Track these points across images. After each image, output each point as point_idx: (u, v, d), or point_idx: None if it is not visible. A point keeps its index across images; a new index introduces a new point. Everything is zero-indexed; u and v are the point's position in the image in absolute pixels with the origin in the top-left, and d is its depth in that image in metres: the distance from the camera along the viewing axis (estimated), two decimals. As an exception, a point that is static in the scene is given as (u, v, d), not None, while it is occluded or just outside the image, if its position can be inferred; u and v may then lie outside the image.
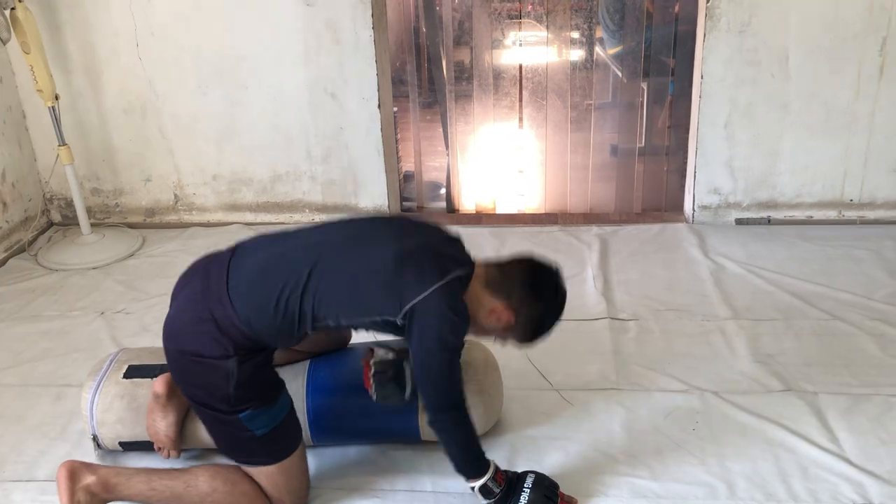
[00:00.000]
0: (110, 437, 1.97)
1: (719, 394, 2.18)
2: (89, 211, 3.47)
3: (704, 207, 3.25)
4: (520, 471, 1.82)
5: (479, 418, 1.96)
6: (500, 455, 1.98)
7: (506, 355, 2.35)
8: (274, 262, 1.72)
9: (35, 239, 3.41)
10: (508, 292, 1.73)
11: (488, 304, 1.72)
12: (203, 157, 3.40)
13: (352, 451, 2.02)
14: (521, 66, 3.51)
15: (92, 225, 3.39)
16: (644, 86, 3.69)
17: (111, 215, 3.54)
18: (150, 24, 3.19)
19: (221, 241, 3.27)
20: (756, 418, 2.07)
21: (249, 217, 3.47)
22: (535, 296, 1.75)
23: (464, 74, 3.56)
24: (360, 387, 1.94)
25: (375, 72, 3.16)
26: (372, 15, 3.08)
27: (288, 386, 1.87)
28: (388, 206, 3.38)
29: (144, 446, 1.97)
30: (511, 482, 1.75)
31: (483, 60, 3.50)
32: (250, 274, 1.71)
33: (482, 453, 1.75)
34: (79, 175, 3.40)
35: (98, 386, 1.98)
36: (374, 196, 3.38)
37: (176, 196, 3.47)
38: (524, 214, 3.59)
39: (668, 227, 3.27)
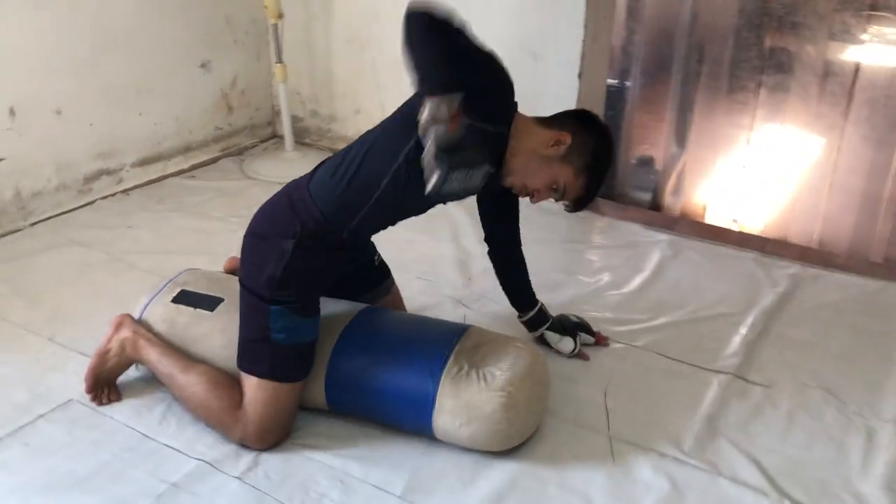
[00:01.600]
0: None
1: (805, 510, 1.67)
2: (306, 131, 3.65)
3: (950, 276, 2.50)
4: None
5: (500, 434, 1.74)
6: (493, 482, 1.72)
7: (577, 382, 2.05)
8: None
9: (253, 146, 3.67)
10: (560, 125, 1.77)
11: (542, 135, 1.75)
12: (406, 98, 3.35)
13: (347, 428, 1.88)
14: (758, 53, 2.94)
15: (302, 144, 3.55)
16: None
17: (322, 139, 3.67)
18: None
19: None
20: (830, 559, 1.55)
21: (438, 167, 3.38)
22: (586, 127, 1.79)
23: (706, 58, 3.08)
24: (383, 353, 1.83)
25: (582, 36, 2.85)
26: (592, -30, 2.77)
27: (328, 327, 1.87)
28: (572, 187, 3.08)
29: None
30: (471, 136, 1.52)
31: (718, 51, 2.99)
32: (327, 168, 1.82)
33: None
34: (301, 95, 3.56)
35: (147, 305, 2.01)
36: (558, 172, 3.09)
37: (377, 132, 3.49)
38: (728, 231, 3.05)
39: (893, 287, 2.57)
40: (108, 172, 3.09)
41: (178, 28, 3.21)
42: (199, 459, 1.77)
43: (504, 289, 2.16)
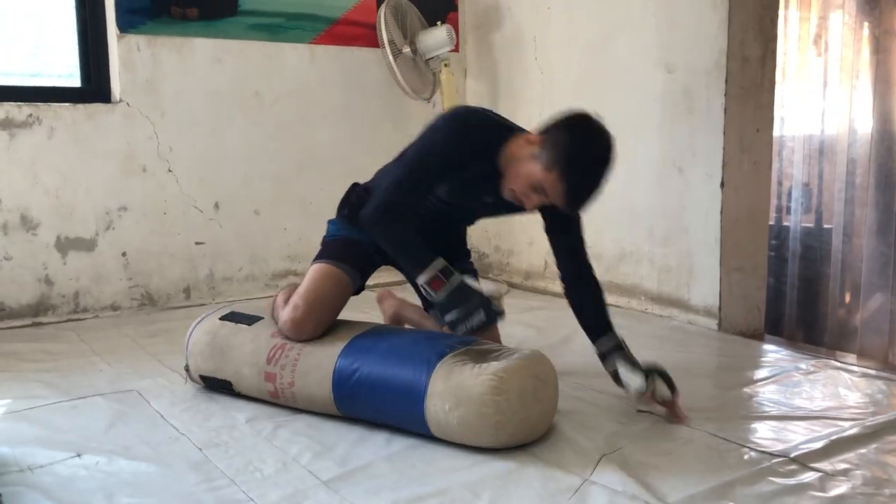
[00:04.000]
0: (194, 369, 2.18)
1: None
2: (490, 267, 3.80)
3: None
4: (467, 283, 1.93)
5: (488, 419, 1.69)
6: (425, 486, 1.56)
7: (592, 434, 1.82)
8: None
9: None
10: (545, 126, 1.88)
11: (523, 138, 1.90)
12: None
13: (338, 438, 1.87)
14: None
15: (485, 278, 3.69)
16: None
17: (502, 273, 3.79)
18: (552, 94, 3.42)
19: (562, 314, 3.19)
20: None
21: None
22: (567, 127, 1.84)
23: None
24: (389, 350, 1.87)
25: (722, 145, 2.73)
26: (726, 81, 2.69)
27: (345, 335, 1.98)
28: (720, 311, 2.79)
29: (220, 384, 2.13)
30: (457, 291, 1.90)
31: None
32: None
33: (421, 254, 1.94)
34: (488, 232, 3.77)
35: (200, 321, 2.22)
36: (705, 294, 2.84)
37: (546, 262, 3.53)
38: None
39: None
40: (296, 273, 3.51)
41: (376, 157, 3.66)
42: (175, 429, 1.91)
43: (578, 317, 2.07)
